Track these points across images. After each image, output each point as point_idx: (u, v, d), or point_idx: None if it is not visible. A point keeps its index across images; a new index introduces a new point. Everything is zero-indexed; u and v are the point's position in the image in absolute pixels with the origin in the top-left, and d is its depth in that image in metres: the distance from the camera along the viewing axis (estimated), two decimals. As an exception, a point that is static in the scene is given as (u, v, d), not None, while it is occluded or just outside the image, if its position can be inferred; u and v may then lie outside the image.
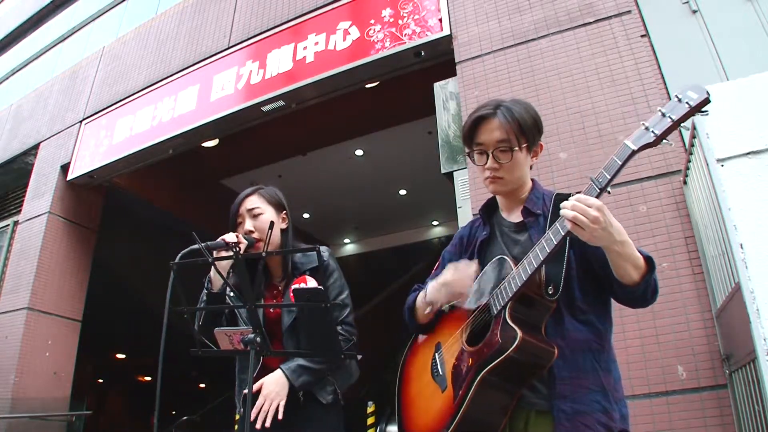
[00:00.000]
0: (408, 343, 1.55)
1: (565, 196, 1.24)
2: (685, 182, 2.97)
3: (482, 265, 1.38)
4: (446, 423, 1.25)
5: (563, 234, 1.13)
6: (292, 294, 1.71)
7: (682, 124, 1.06)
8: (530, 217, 1.37)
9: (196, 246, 1.53)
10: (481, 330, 1.30)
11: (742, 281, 1.92)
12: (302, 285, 1.73)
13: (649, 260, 1.19)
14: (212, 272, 1.74)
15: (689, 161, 2.78)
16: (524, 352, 1.17)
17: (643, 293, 1.19)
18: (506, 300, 1.23)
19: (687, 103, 1.05)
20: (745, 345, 2.18)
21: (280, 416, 1.58)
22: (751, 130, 2.00)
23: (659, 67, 3.34)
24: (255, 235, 1.78)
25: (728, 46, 3.28)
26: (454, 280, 1.31)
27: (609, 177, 1.10)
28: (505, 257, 1.31)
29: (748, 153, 1.99)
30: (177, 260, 1.47)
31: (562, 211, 1.11)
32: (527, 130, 1.35)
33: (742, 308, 1.96)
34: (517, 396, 1.23)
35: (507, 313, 1.22)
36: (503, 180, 1.37)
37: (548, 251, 1.16)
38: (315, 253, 1.76)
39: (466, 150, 1.43)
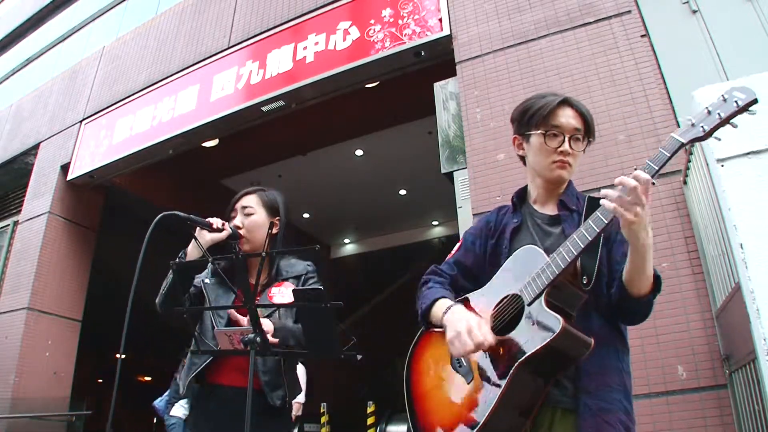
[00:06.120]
0: (414, 339, 1.52)
1: (597, 200, 1.24)
2: (685, 182, 2.97)
3: (510, 252, 1.38)
4: (478, 414, 1.22)
5: (606, 222, 1.15)
6: (270, 295, 1.79)
7: (730, 121, 1.11)
8: (565, 211, 1.38)
9: (181, 213, 1.59)
10: (511, 320, 1.27)
11: (742, 281, 1.92)
12: (281, 288, 1.81)
13: (657, 279, 1.21)
14: (190, 247, 1.77)
15: (689, 161, 2.78)
16: (564, 340, 1.15)
17: (643, 309, 1.22)
18: (543, 287, 1.21)
19: (735, 102, 1.09)
20: (745, 345, 2.18)
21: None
22: (751, 130, 2.00)
23: (659, 67, 3.34)
24: (242, 231, 1.85)
25: (728, 46, 3.28)
26: (477, 335, 1.20)
27: (657, 168, 1.13)
28: (536, 247, 1.30)
29: (748, 153, 1.99)
30: (155, 222, 1.50)
31: (619, 179, 1.12)
32: (592, 130, 1.40)
33: (742, 308, 1.96)
34: (546, 389, 1.22)
35: (544, 300, 1.20)
36: (570, 168, 1.39)
37: (589, 239, 1.17)
38: (299, 262, 1.91)
39: (533, 131, 1.40)
